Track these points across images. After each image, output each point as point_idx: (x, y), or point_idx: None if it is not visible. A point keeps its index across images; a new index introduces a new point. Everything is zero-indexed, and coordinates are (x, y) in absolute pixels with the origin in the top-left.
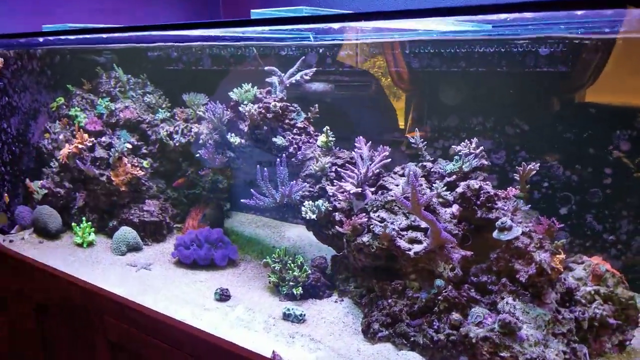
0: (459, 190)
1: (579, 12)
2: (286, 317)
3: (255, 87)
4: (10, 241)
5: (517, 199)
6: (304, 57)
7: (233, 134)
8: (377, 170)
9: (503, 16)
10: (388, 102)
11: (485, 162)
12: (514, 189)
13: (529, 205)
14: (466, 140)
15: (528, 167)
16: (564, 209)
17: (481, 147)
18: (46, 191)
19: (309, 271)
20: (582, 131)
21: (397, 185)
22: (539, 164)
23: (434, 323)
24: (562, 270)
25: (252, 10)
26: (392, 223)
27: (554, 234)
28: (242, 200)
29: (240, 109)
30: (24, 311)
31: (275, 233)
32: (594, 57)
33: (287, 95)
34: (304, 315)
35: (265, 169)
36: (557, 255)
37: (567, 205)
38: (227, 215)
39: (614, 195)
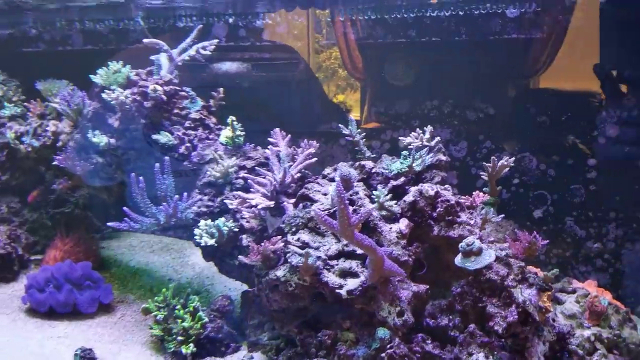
0: (409, 198)
1: None
2: None
3: (128, 67)
4: None
5: (486, 206)
6: (201, 25)
7: (98, 132)
8: (299, 174)
9: None
10: (320, 86)
11: (443, 158)
12: (481, 194)
13: (502, 215)
14: (417, 130)
15: (500, 163)
16: (539, 211)
17: (437, 138)
18: None
19: (206, 319)
20: (559, 114)
21: (326, 195)
22: (513, 158)
23: None
24: (551, 308)
25: None
26: (317, 249)
27: (536, 253)
28: (109, 225)
29: (105, 96)
30: None
31: (177, 259)
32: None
33: (188, 79)
34: None
35: (141, 178)
36: (546, 292)
37: (542, 206)
38: (111, 237)
39: (599, 193)
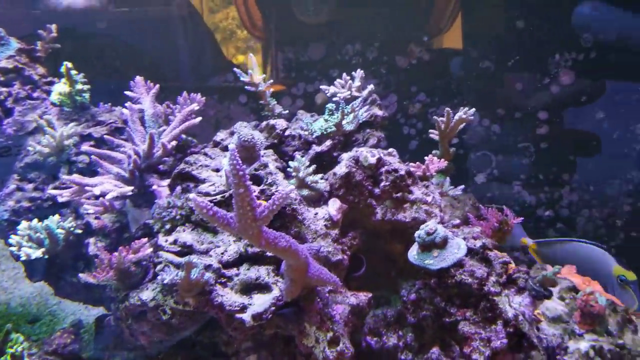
0: (341, 170)
1: None
2: None
3: None
4: None
5: (439, 176)
6: None
7: None
8: (176, 142)
9: None
10: (206, 26)
11: (380, 113)
12: (436, 160)
13: (462, 187)
14: (345, 76)
15: (456, 116)
16: (482, 176)
17: (370, 87)
18: None
19: None
20: (505, 56)
21: (219, 172)
22: (473, 110)
23: None
24: (542, 317)
25: None
26: (205, 254)
27: (508, 235)
28: None
29: None
30: None
31: (7, 271)
32: None
33: (9, 21)
34: None
35: None
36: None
37: (485, 169)
38: None
39: (552, 152)
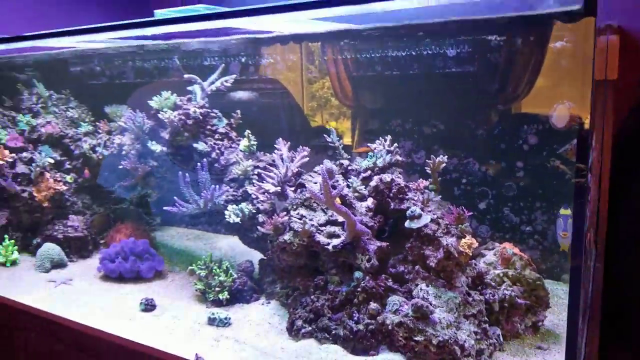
0: (373, 183)
1: None
2: (211, 321)
3: (175, 95)
4: None
5: (428, 190)
6: (224, 64)
7: (154, 142)
8: (297, 170)
9: None
10: (301, 108)
11: (400, 158)
12: (424, 181)
13: (439, 196)
14: (381, 138)
15: (437, 160)
16: (483, 204)
17: (395, 145)
18: None
19: (235, 275)
20: (492, 127)
21: (316, 183)
22: (446, 157)
23: (354, 314)
24: (471, 254)
25: (155, 11)
26: (311, 219)
27: (464, 221)
28: (165, 208)
29: (160, 116)
30: None
31: (206, 244)
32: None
33: (213, 104)
34: (229, 318)
35: (187, 174)
36: (464, 239)
37: (485, 199)
38: (156, 229)
39: (526, 188)
